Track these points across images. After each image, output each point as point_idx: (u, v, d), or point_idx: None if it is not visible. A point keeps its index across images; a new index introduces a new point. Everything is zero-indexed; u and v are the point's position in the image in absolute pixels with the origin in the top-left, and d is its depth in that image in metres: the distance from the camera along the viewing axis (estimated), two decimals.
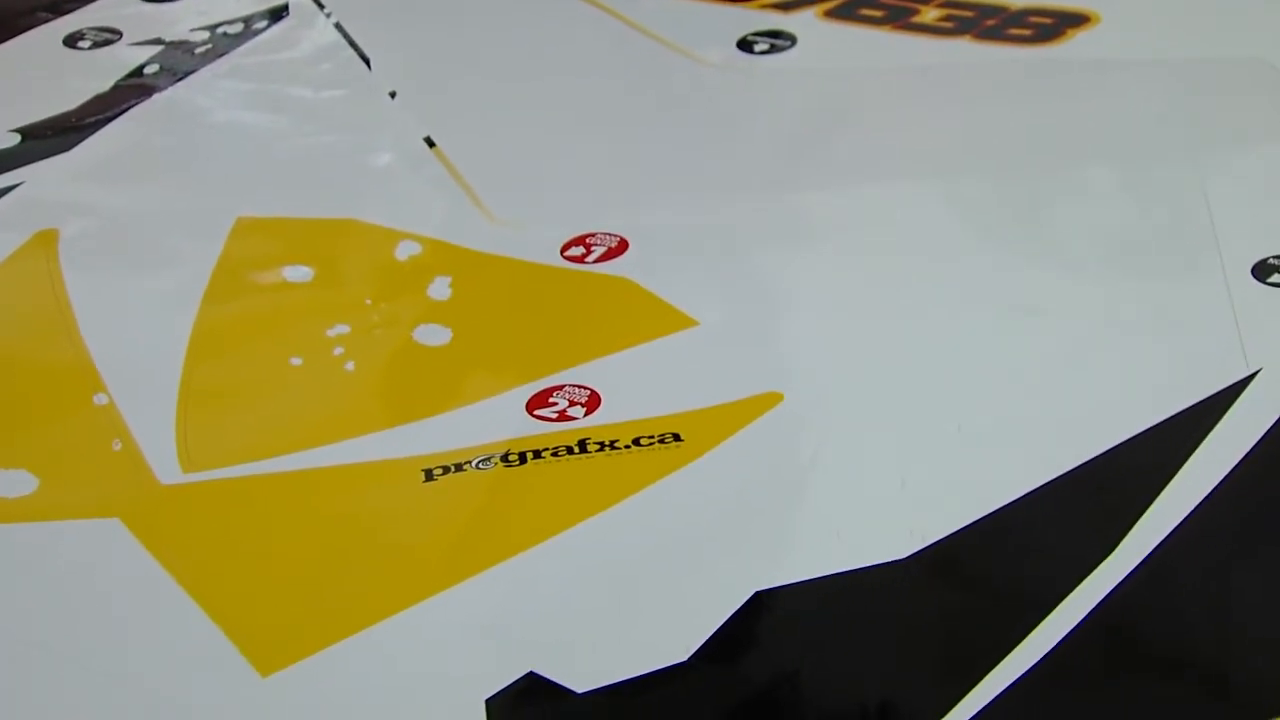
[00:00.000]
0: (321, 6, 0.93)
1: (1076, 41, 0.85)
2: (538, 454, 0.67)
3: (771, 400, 0.68)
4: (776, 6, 0.89)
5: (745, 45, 0.87)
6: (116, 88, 0.90)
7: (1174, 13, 0.87)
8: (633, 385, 0.70)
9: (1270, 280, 0.71)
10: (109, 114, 0.88)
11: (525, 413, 0.69)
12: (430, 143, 0.84)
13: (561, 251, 0.77)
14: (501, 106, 0.87)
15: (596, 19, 0.90)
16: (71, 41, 0.94)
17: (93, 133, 0.87)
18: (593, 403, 0.69)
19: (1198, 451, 0.64)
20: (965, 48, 0.86)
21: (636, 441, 0.67)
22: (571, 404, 0.69)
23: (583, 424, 0.68)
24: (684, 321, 0.73)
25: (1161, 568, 0.59)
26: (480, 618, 0.61)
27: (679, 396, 0.69)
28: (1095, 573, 0.59)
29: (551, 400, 0.70)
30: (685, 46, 0.88)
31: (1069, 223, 0.77)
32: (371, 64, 0.90)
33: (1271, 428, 0.64)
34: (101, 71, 0.91)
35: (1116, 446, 0.64)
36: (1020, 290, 0.73)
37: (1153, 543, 0.60)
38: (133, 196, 0.84)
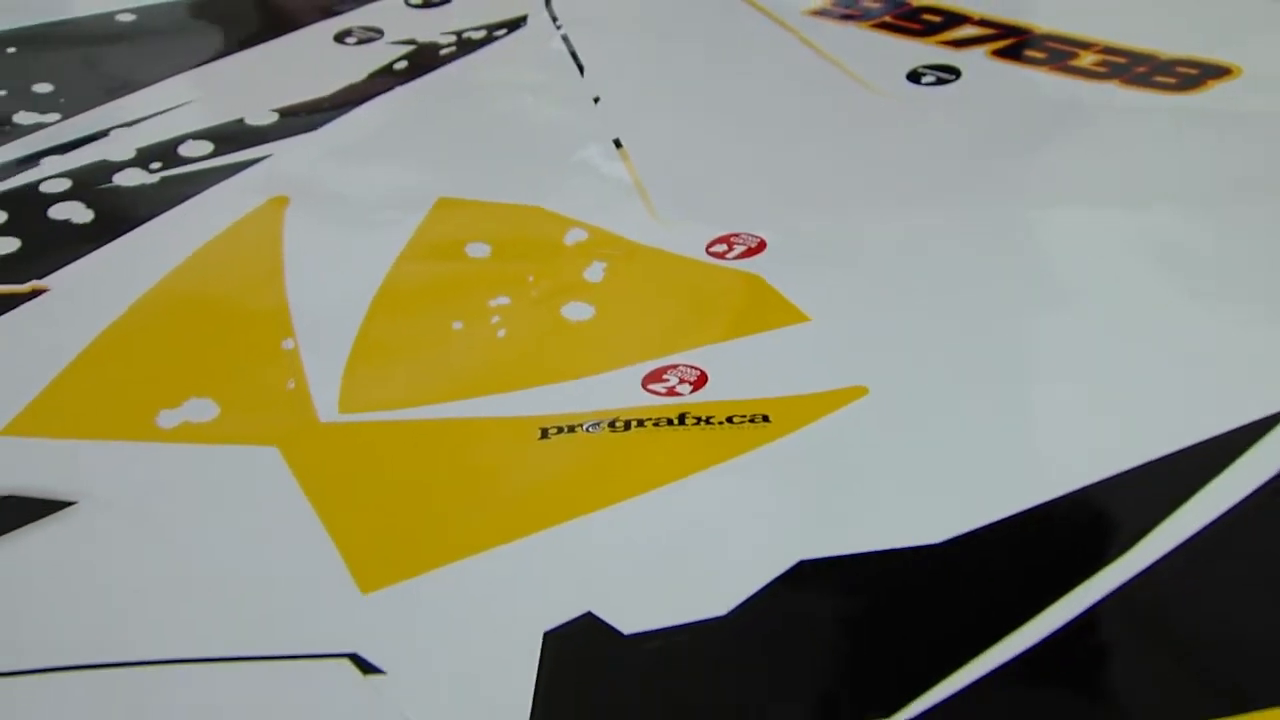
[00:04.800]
0: (555, 19, 0.95)
1: (1216, 92, 0.83)
2: (641, 423, 0.68)
3: (857, 393, 0.69)
4: (950, 43, 0.89)
5: (913, 76, 0.87)
6: (368, 79, 0.92)
7: None
8: (738, 369, 0.71)
9: None
10: (355, 101, 0.91)
11: (640, 386, 0.70)
12: (618, 144, 0.85)
13: (706, 248, 0.78)
14: (687, 116, 0.88)
15: (789, 43, 0.91)
16: (340, 38, 0.96)
17: (338, 116, 0.90)
18: (700, 382, 0.70)
19: (1224, 472, 0.63)
20: (1114, 91, 0.84)
21: (730, 419, 0.68)
22: (681, 381, 0.70)
23: (687, 400, 0.69)
24: (798, 317, 0.73)
25: (1168, 574, 0.59)
26: (560, 560, 0.62)
27: (776, 383, 0.70)
28: (1101, 572, 0.59)
29: (664, 377, 0.70)
30: (858, 73, 0.88)
31: (1177, 257, 0.75)
32: (584, 72, 0.91)
33: None
34: (359, 64, 0.93)
35: (1154, 460, 0.64)
36: (1109, 313, 0.73)
37: (1163, 550, 0.60)
38: (359, 173, 0.86)
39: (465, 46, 0.93)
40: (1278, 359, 0.68)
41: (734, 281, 0.76)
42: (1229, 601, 0.59)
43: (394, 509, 0.66)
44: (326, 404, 0.71)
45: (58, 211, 0.84)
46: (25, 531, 0.65)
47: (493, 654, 0.58)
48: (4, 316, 0.78)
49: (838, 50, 0.89)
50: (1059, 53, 0.87)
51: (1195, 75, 0.85)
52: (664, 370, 0.71)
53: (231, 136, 0.88)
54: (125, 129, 0.90)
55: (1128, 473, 0.63)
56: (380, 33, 0.96)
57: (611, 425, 0.68)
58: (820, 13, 0.92)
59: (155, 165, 0.87)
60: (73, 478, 0.68)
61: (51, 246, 0.82)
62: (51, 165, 0.88)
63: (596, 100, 0.88)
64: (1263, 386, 0.66)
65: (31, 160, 0.88)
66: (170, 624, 0.61)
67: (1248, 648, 0.57)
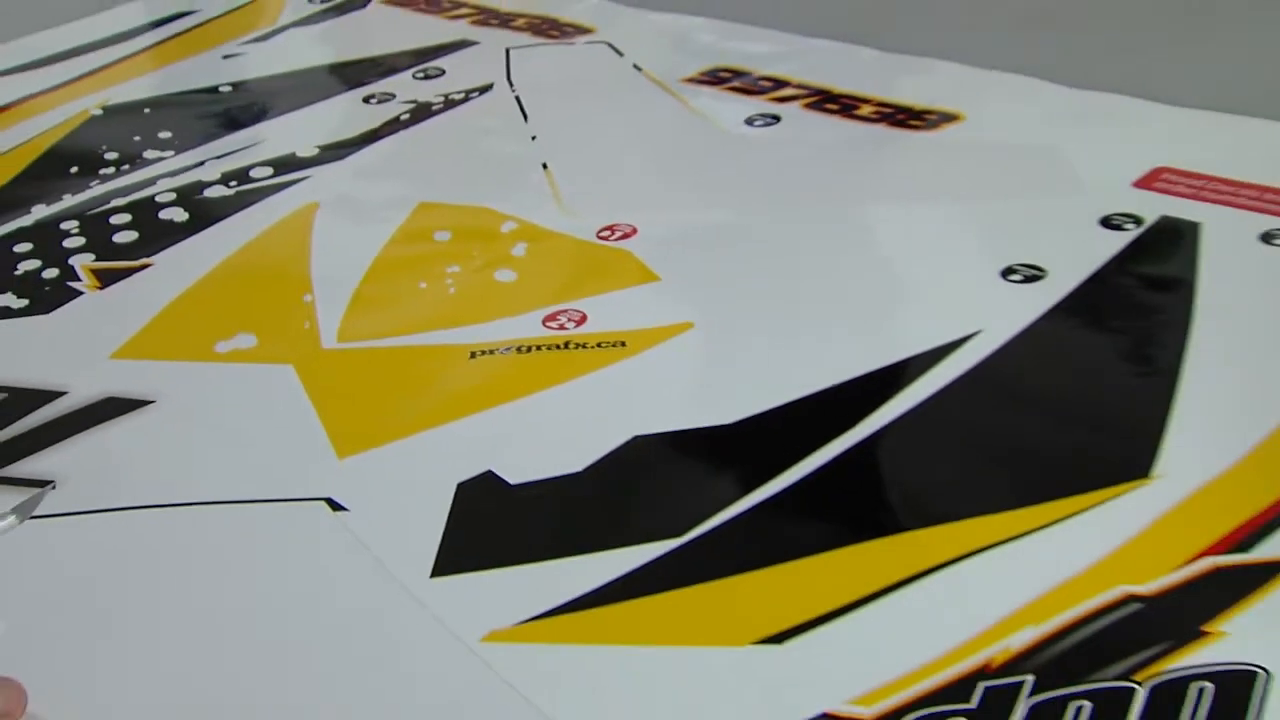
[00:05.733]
0: (512, 85, 0.96)
1: (949, 130, 0.85)
2: (539, 348, 0.69)
3: (685, 327, 0.70)
4: (775, 99, 0.90)
5: (749, 121, 0.88)
6: (382, 125, 0.93)
7: (1014, 118, 0.86)
8: (608, 312, 0.72)
9: (1010, 278, 0.71)
10: (371, 140, 0.92)
11: (540, 324, 0.71)
12: (545, 166, 0.86)
13: (596, 233, 0.79)
14: (592, 147, 0.88)
15: (669, 103, 0.92)
16: (366, 99, 0.97)
17: (358, 150, 0.91)
18: (581, 320, 0.71)
19: (931, 371, 0.65)
20: (883, 130, 0.85)
21: (599, 345, 0.69)
22: (569, 320, 0.71)
23: (571, 333, 0.70)
24: (652, 277, 0.75)
25: (876, 443, 0.61)
26: (476, 437, 0.64)
27: (632, 320, 0.71)
28: (835, 440, 0.61)
29: (558, 318, 0.72)
30: (713, 118, 0.89)
31: (928, 233, 0.77)
32: (528, 120, 0.92)
33: (969, 370, 0.65)
34: (377, 117, 0.94)
35: (892, 364, 0.66)
36: (881, 267, 0.74)
37: (884, 422, 0.62)
38: (368, 186, 0.87)
39: (450, 104, 0.94)
40: (973, 298, 0.70)
41: (612, 255, 0.77)
42: (923, 452, 0.61)
43: (366, 404, 0.67)
44: (329, 336, 0.72)
45: (165, 214, 0.86)
46: (119, 421, 0.67)
47: (423, 497, 0.60)
48: (122, 282, 0.79)
49: (700, 104, 0.90)
50: (849, 105, 0.88)
51: (935, 119, 0.86)
52: (558, 313, 0.72)
53: (285, 164, 0.90)
54: (215, 160, 0.91)
55: (866, 374, 0.65)
56: (394, 96, 0.97)
57: (519, 350, 0.69)
58: (691, 80, 0.93)
59: (233, 183, 0.88)
60: (156, 385, 0.70)
61: (158, 237, 0.83)
62: (164, 184, 0.89)
63: (534, 138, 0.89)
64: (961, 317, 0.68)
65: (151, 181, 0.90)
66: (210, 476, 0.63)
67: (935, 483, 0.59)
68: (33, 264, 0.82)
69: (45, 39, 1.09)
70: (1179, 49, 0.88)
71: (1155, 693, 0.48)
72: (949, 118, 0.86)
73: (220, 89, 1.01)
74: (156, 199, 0.88)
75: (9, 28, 1.10)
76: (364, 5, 1.11)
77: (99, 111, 1.00)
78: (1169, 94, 0.83)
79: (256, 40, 1.08)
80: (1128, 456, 0.58)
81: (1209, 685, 0.48)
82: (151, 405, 0.68)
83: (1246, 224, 0.72)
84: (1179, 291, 0.68)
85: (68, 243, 0.84)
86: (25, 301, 0.78)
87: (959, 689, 0.49)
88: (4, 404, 0.69)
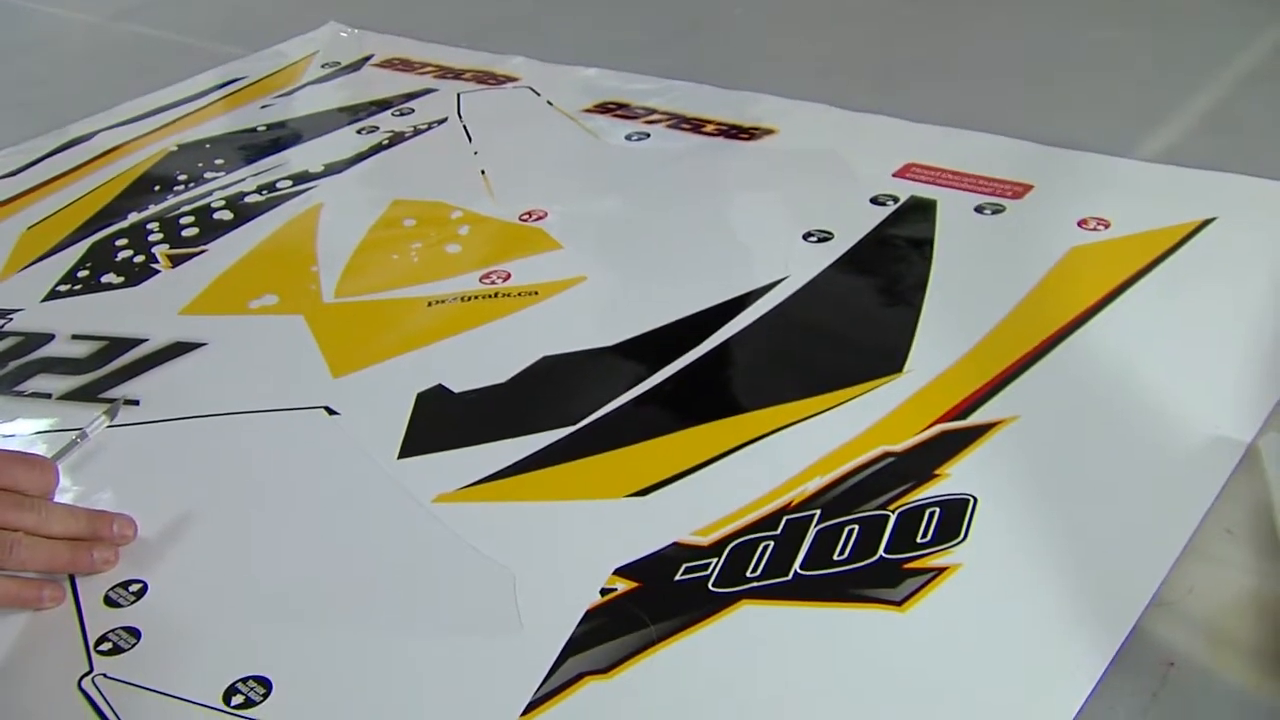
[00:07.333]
0: (461, 118, 0.92)
1: (766, 140, 0.82)
2: (477, 297, 0.67)
3: (580, 279, 0.68)
4: (646, 123, 0.86)
5: (629, 137, 0.85)
6: (369, 149, 0.89)
7: (812, 132, 0.83)
8: (526, 270, 0.69)
9: (808, 239, 0.69)
10: (361, 159, 0.87)
11: (478, 281, 0.69)
12: (483, 172, 0.83)
13: (518, 217, 0.76)
14: (517, 157, 0.85)
15: (571, 126, 0.88)
16: (359, 131, 0.92)
17: (352, 167, 0.87)
18: (507, 277, 0.69)
19: (754, 304, 0.63)
20: (722, 142, 0.83)
21: (519, 294, 0.67)
22: (498, 277, 0.69)
23: (500, 286, 0.68)
24: (557, 246, 0.72)
25: (715, 355, 0.60)
26: (431, 360, 0.62)
27: (542, 275, 0.68)
28: (686, 354, 0.59)
29: (490, 275, 0.69)
30: (603, 137, 0.86)
31: (740, 211, 0.74)
32: (471, 141, 0.88)
33: (780, 303, 0.63)
34: (365, 143, 0.90)
35: (727, 300, 0.63)
36: (712, 239, 0.71)
37: (717, 341, 0.60)
38: (360, 191, 0.83)
39: (417, 132, 0.90)
40: (783, 253, 0.67)
41: (529, 232, 0.74)
42: (747, 360, 0.59)
43: (353, 340, 0.64)
44: (328, 294, 0.69)
45: (216, 215, 0.82)
46: (183, 357, 0.65)
47: (393, 403, 0.58)
48: (187, 263, 0.75)
49: (594, 126, 0.87)
50: (698, 125, 0.85)
51: (759, 132, 0.83)
52: (490, 273, 0.69)
53: (301, 177, 0.86)
54: (253, 176, 0.87)
55: (709, 307, 0.63)
56: (378, 128, 0.92)
57: (462, 299, 0.67)
58: (588, 111, 0.90)
59: (264, 192, 0.84)
60: (209, 332, 0.67)
61: (211, 230, 0.79)
62: (217, 194, 0.85)
63: (475, 153, 0.86)
64: (775, 267, 0.66)
65: (209, 193, 0.85)
66: (245, 392, 0.61)
67: (754, 380, 0.57)
68: (127, 253, 0.78)
69: (144, 101, 1.04)
70: (922, 86, 0.88)
71: (901, 516, 0.47)
72: (768, 132, 0.83)
73: (258, 129, 0.97)
74: (211, 205, 0.83)
75: (119, 93, 1.04)
76: (360, 68, 1.06)
77: (175, 148, 0.95)
78: (916, 115, 0.82)
79: (285, 94, 1.03)
80: (887, 358, 0.57)
81: (937, 509, 0.47)
82: (206, 346, 0.66)
83: (966, 201, 0.71)
84: (923, 247, 0.67)
85: (151, 237, 0.80)
86: (122, 279, 0.74)
87: (769, 521, 0.48)
88: (106, 348, 0.67)
